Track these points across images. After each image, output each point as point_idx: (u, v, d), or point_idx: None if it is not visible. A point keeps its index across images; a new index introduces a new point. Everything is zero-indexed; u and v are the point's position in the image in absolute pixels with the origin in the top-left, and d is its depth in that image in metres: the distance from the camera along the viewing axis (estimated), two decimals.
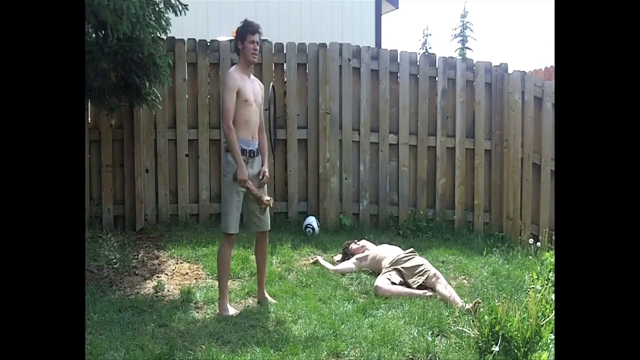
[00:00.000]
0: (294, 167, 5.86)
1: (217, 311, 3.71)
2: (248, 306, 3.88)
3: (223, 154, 3.92)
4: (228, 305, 3.76)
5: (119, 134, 5.52)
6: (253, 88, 3.88)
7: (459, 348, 3.22)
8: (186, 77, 5.66)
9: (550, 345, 3.03)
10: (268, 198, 3.86)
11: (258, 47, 3.81)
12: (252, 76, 3.96)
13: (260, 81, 5.69)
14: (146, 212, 5.58)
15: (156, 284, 4.20)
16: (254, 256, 4.81)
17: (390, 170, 6.06)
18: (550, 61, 12.91)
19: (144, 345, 3.07)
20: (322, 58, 5.82)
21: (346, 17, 10.08)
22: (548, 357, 2.93)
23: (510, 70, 6.18)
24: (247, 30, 3.79)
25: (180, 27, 5.16)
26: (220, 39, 6.02)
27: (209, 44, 5.75)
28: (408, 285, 4.21)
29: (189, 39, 5.69)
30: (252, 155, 3.82)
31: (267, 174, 3.92)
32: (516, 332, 3.03)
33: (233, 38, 7.00)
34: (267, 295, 3.95)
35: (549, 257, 4.37)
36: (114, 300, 3.84)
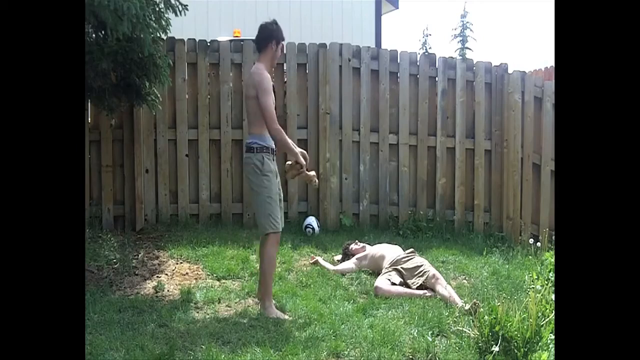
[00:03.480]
0: None
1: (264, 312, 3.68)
2: (248, 306, 3.88)
3: (249, 155, 3.71)
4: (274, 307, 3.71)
5: (119, 134, 5.52)
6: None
7: (459, 348, 3.22)
8: (186, 77, 5.66)
9: (550, 345, 3.03)
10: (312, 173, 3.88)
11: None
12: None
13: None
14: (146, 212, 5.58)
15: (156, 284, 4.20)
16: (253, 256, 4.83)
17: (390, 170, 6.06)
18: (550, 61, 12.92)
19: (144, 345, 3.07)
20: (322, 58, 5.82)
21: (346, 17, 10.09)
22: (548, 357, 2.93)
23: (510, 70, 6.18)
24: (281, 35, 3.79)
25: (180, 27, 5.16)
26: (220, 39, 6.02)
27: (209, 44, 5.75)
28: (408, 286, 4.21)
29: (189, 39, 5.69)
30: (274, 152, 3.78)
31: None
32: (516, 332, 3.03)
33: (234, 38, 7.00)
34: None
35: (549, 257, 4.37)
36: (114, 300, 3.84)
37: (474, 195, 6.14)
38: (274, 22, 3.84)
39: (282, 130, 3.70)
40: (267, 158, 3.70)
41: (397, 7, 11.69)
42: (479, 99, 6.16)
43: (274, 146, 3.74)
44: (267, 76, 3.71)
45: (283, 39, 3.83)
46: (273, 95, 3.70)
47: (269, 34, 3.80)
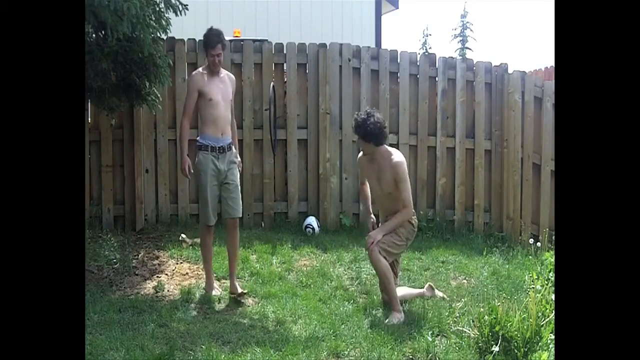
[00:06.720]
0: (294, 167, 5.86)
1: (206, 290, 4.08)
2: (248, 306, 3.88)
3: (197, 153, 4.06)
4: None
5: (119, 134, 5.52)
6: (222, 87, 4.08)
7: (459, 348, 3.22)
8: (186, 77, 5.64)
9: (550, 345, 3.03)
10: None
11: (219, 58, 4.02)
12: (222, 73, 4.15)
13: (260, 81, 5.76)
14: (146, 212, 5.58)
15: (156, 284, 4.20)
16: (253, 256, 4.83)
17: None
18: (550, 61, 12.91)
19: (144, 345, 3.07)
20: (322, 58, 5.81)
21: (346, 17, 10.07)
22: (548, 357, 2.93)
23: (510, 70, 6.18)
24: (207, 44, 4.02)
25: (180, 27, 5.15)
26: None
27: None
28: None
29: (189, 39, 5.69)
30: (221, 151, 4.02)
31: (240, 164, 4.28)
32: (516, 332, 3.03)
33: (234, 38, 7.01)
34: (237, 286, 4.04)
35: (549, 257, 4.37)
36: (114, 300, 3.84)
37: (474, 195, 6.14)
38: (207, 31, 4.05)
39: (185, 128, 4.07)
40: (203, 155, 4.00)
41: (397, 7, 11.68)
42: (479, 99, 6.15)
43: (214, 144, 4.00)
44: (191, 79, 4.10)
45: (210, 47, 4.00)
46: (191, 96, 4.02)
47: (203, 43, 4.09)
